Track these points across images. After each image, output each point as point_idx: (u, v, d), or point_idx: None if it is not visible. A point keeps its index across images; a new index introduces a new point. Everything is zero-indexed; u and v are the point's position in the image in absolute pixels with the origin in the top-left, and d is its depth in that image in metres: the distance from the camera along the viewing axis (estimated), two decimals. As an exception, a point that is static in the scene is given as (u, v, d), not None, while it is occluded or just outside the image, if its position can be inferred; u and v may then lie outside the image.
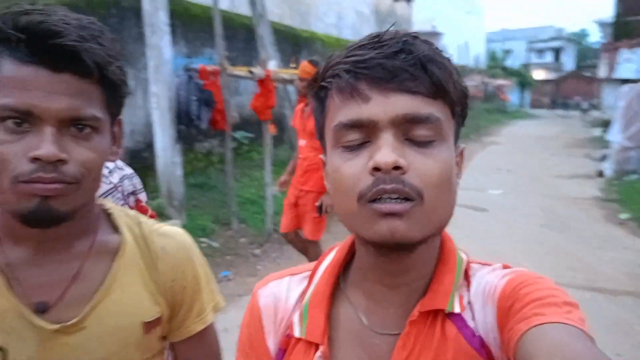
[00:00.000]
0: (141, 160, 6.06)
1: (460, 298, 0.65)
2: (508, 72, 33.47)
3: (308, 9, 12.90)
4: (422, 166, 0.57)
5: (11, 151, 0.67)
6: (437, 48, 0.61)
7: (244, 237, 5.31)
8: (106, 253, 0.83)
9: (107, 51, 0.72)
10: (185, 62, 5.92)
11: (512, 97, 33.88)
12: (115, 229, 0.86)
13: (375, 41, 0.60)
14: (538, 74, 43.10)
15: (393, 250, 0.60)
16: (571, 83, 41.14)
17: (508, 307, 0.59)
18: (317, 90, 0.64)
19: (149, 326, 0.84)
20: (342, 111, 0.60)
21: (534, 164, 11.25)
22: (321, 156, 0.68)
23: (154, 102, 5.26)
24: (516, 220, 6.49)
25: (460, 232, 5.55)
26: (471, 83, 19.51)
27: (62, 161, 0.69)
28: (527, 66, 41.37)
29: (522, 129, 20.64)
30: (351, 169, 0.59)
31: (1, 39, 0.68)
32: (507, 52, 39.67)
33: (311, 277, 0.73)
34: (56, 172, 0.69)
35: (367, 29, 16.83)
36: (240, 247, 5.08)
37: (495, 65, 30.43)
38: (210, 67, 5.62)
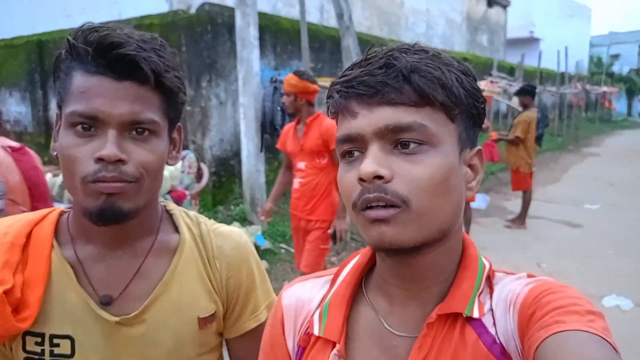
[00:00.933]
0: (228, 167, 6.40)
1: (481, 304, 0.65)
2: (615, 79, 31.00)
3: (397, 20, 12.86)
4: (408, 173, 0.59)
5: (80, 153, 0.76)
6: (431, 56, 0.62)
7: (323, 245, 5.40)
8: (166, 251, 0.89)
9: (165, 61, 0.79)
10: (273, 74, 6.14)
11: (619, 105, 31.31)
12: (176, 229, 0.93)
13: (363, 59, 0.64)
14: (651, 80, 39.38)
15: (395, 254, 0.62)
16: (690, 90, 37.13)
17: (529, 315, 0.59)
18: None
19: (204, 321, 0.90)
20: (340, 128, 0.65)
21: (638, 177, 10.32)
22: None
23: (241, 113, 5.54)
24: (614, 238, 5.99)
25: (553, 249, 5.25)
26: (571, 91, 18.25)
27: (122, 161, 0.76)
28: (637, 72, 38.03)
29: (627, 139, 18.98)
30: (348, 180, 0.63)
31: (73, 53, 0.77)
32: (615, 57, 36.73)
33: (334, 280, 0.76)
34: (117, 171, 0.75)
35: (458, 38, 16.39)
36: (319, 254, 5.16)
37: (600, 71, 28.24)
38: (295, 79, 5.79)
